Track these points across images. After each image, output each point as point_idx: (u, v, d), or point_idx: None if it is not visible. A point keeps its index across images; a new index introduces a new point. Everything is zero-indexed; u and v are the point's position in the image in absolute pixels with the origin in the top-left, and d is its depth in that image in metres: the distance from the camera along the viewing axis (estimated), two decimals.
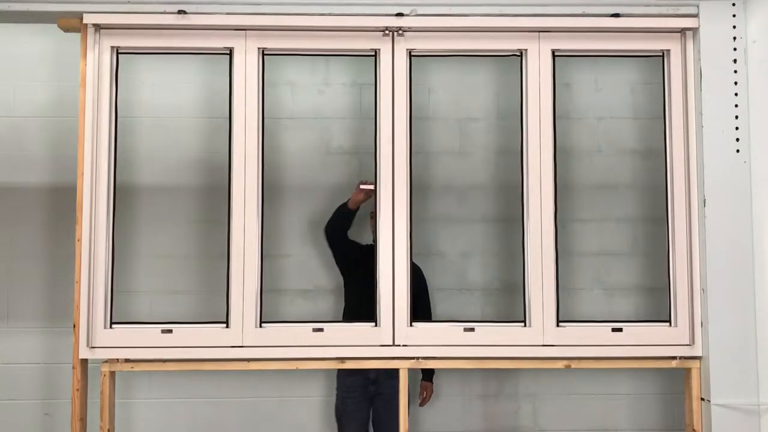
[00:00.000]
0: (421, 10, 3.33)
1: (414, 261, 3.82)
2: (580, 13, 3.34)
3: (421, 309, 3.89)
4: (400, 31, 3.34)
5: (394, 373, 3.69)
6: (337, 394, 3.92)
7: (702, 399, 3.27)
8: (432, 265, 4.10)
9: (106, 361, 3.23)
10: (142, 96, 4.09)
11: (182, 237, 4.09)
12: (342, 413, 3.89)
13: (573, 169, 4.10)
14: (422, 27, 3.35)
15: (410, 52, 3.37)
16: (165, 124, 4.11)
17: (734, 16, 3.30)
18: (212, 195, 4.07)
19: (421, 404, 3.98)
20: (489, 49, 3.43)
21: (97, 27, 3.28)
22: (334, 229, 3.92)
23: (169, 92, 4.14)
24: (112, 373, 3.27)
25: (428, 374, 3.98)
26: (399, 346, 3.30)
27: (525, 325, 3.32)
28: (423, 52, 3.41)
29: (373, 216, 3.62)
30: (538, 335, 3.30)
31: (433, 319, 3.93)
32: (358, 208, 3.87)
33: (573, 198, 4.09)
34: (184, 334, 3.28)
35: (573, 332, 3.32)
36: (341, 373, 3.89)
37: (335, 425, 3.98)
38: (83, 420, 3.21)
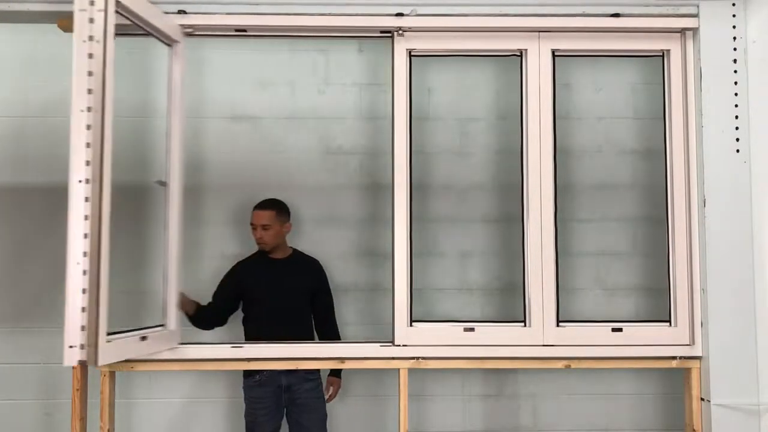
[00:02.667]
0: (421, 10, 3.33)
1: (312, 256, 3.91)
2: (580, 13, 3.34)
3: (323, 313, 3.81)
4: (400, 31, 3.34)
5: (309, 377, 3.71)
6: (246, 406, 3.75)
7: (702, 399, 3.27)
8: (432, 265, 4.10)
9: None
10: (147, 95, 4.09)
11: (186, 237, 4.08)
12: (253, 426, 3.72)
13: (573, 169, 4.10)
14: (422, 27, 3.35)
15: (410, 52, 3.37)
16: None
17: (734, 16, 3.30)
18: (219, 195, 4.09)
19: (328, 400, 3.83)
20: (489, 49, 3.43)
21: None
22: (211, 325, 3.75)
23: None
24: (112, 373, 3.27)
25: (336, 369, 3.82)
26: (399, 346, 3.30)
27: (525, 325, 3.32)
28: (423, 52, 3.41)
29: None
30: (538, 335, 3.30)
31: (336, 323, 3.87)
32: (196, 309, 3.64)
33: (573, 198, 4.09)
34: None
35: (573, 332, 3.32)
36: (248, 384, 3.74)
37: (338, 425, 3.99)
38: (83, 420, 3.20)
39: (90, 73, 2.63)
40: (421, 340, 3.31)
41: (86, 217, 2.65)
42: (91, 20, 2.64)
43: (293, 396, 3.71)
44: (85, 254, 2.66)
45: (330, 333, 3.82)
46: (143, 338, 3.02)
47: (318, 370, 3.75)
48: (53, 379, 3.99)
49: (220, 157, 4.10)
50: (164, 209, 3.27)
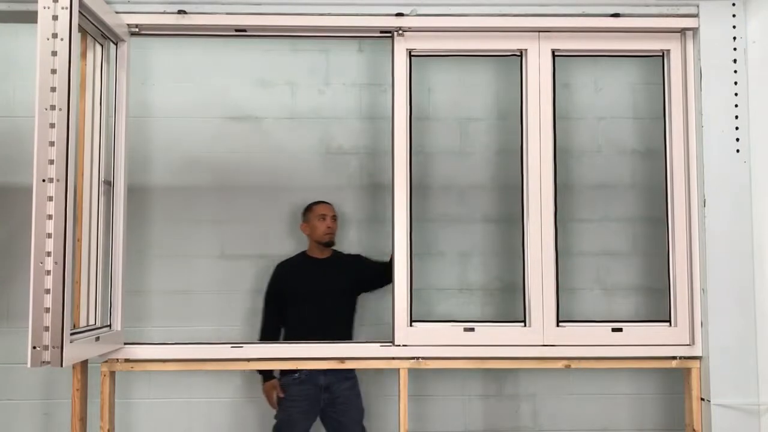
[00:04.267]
0: (421, 10, 3.33)
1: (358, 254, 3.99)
2: (580, 13, 3.34)
3: (374, 267, 3.89)
4: (400, 31, 3.34)
5: (347, 375, 3.76)
6: (281, 405, 3.77)
7: (702, 399, 3.27)
8: (432, 265, 4.10)
9: (106, 361, 3.23)
10: (147, 96, 4.09)
11: (186, 237, 4.09)
12: (286, 424, 3.74)
13: (573, 169, 4.10)
14: (422, 27, 3.34)
15: (410, 52, 3.36)
16: (172, 124, 4.11)
17: (734, 16, 3.30)
18: (220, 195, 4.09)
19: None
20: (489, 49, 3.43)
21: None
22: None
23: (173, 92, 4.15)
24: (112, 373, 3.27)
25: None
26: (399, 346, 3.30)
27: (525, 325, 3.32)
28: (423, 52, 3.41)
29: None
30: (538, 335, 3.30)
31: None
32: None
33: (573, 198, 4.09)
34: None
35: (573, 332, 3.32)
36: (286, 382, 3.76)
37: None
38: (83, 420, 3.20)
39: (53, 71, 2.62)
40: (421, 340, 3.31)
41: (50, 217, 2.58)
42: (55, 17, 2.62)
43: (333, 395, 3.75)
44: (48, 254, 2.58)
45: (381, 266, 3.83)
46: (97, 338, 3.01)
47: (353, 369, 3.79)
48: (53, 379, 3.99)
49: (220, 157, 4.11)
50: (110, 209, 3.24)
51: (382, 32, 3.35)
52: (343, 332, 3.76)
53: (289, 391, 3.75)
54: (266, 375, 3.83)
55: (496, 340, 3.31)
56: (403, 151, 3.33)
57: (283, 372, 3.77)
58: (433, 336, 3.33)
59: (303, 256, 3.95)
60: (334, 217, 3.91)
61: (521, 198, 3.37)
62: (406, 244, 3.32)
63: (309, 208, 3.92)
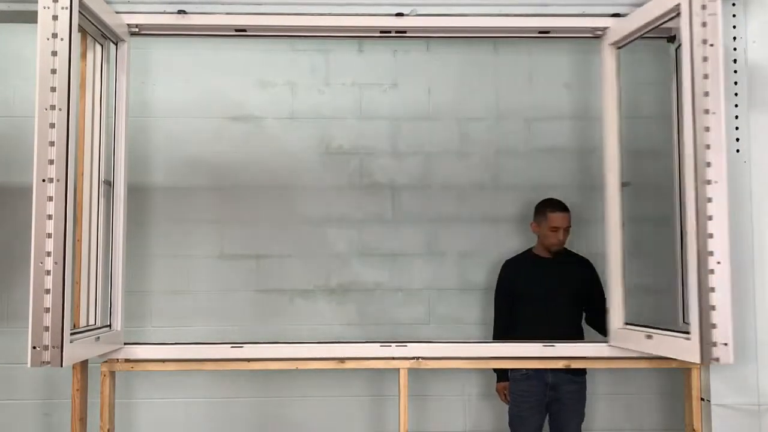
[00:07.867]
0: (421, 10, 3.32)
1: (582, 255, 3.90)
2: (580, 13, 3.34)
3: (598, 308, 3.65)
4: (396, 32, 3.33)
5: (575, 379, 3.72)
6: (511, 400, 3.80)
7: (702, 399, 3.26)
8: (432, 265, 4.10)
9: (106, 361, 3.23)
10: (147, 96, 4.09)
11: (186, 237, 4.09)
12: (518, 419, 3.77)
13: (573, 170, 4.10)
14: (422, 27, 3.34)
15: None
16: (172, 124, 4.11)
17: (734, 16, 3.30)
18: (220, 195, 4.09)
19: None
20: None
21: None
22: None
23: (173, 92, 4.14)
24: (112, 373, 3.26)
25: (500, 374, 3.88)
26: (399, 346, 3.30)
27: None
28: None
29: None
30: None
31: None
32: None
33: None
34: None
35: None
36: (514, 377, 3.77)
37: (338, 425, 3.99)
38: (83, 420, 3.20)
39: (53, 71, 2.63)
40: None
41: (50, 217, 2.60)
42: (55, 17, 2.63)
43: (557, 395, 3.72)
44: (48, 254, 2.60)
45: (601, 323, 3.63)
46: (97, 338, 3.01)
47: (584, 373, 3.76)
48: (53, 379, 3.99)
49: (220, 157, 4.11)
50: (110, 209, 3.23)
51: (382, 32, 3.36)
52: (571, 333, 3.64)
53: (519, 386, 3.75)
54: (500, 375, 3.85)
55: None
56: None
57: (511, 369, 3.74)
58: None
59: (529, 254, 3.84)
60: (568, 229, 3.75)
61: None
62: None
63: (543, 213, 3.74)
